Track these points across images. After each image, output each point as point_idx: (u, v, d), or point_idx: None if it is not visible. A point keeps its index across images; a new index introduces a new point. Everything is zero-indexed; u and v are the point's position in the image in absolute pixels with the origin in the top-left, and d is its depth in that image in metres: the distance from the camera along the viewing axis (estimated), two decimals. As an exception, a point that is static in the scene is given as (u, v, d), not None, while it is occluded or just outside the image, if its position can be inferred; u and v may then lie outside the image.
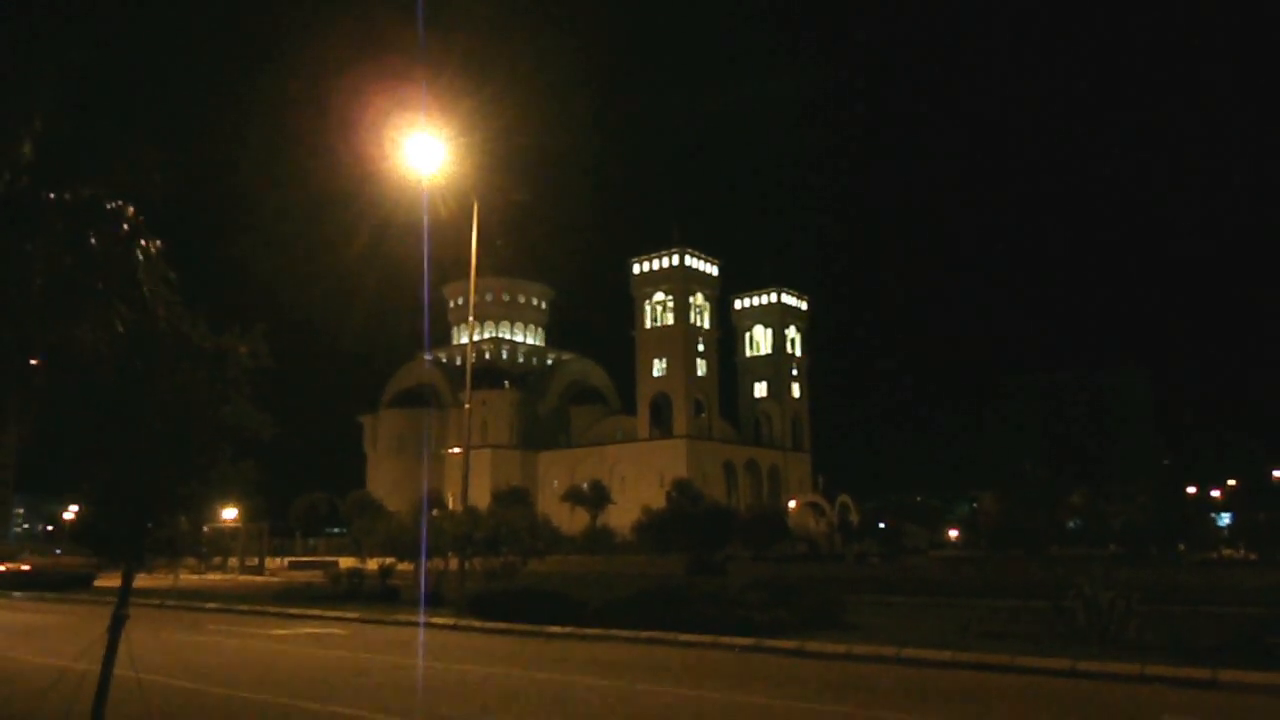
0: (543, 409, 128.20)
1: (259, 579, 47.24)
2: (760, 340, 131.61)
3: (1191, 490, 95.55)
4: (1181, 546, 62.76)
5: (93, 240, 8.32)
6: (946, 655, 14.89)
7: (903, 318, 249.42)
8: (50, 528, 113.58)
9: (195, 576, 47.92)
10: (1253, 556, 58.82)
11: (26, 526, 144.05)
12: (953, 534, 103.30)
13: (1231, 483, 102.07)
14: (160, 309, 8.09)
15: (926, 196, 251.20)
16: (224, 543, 56.08)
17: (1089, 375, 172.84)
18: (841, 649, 15.89)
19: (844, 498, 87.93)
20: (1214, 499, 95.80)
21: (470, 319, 29.00)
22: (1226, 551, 65.78)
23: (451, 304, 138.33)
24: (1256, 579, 36.09)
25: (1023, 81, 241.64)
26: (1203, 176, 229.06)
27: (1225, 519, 79.21)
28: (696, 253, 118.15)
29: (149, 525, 7.01)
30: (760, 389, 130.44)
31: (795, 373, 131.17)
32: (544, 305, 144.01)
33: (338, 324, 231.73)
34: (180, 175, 8.58)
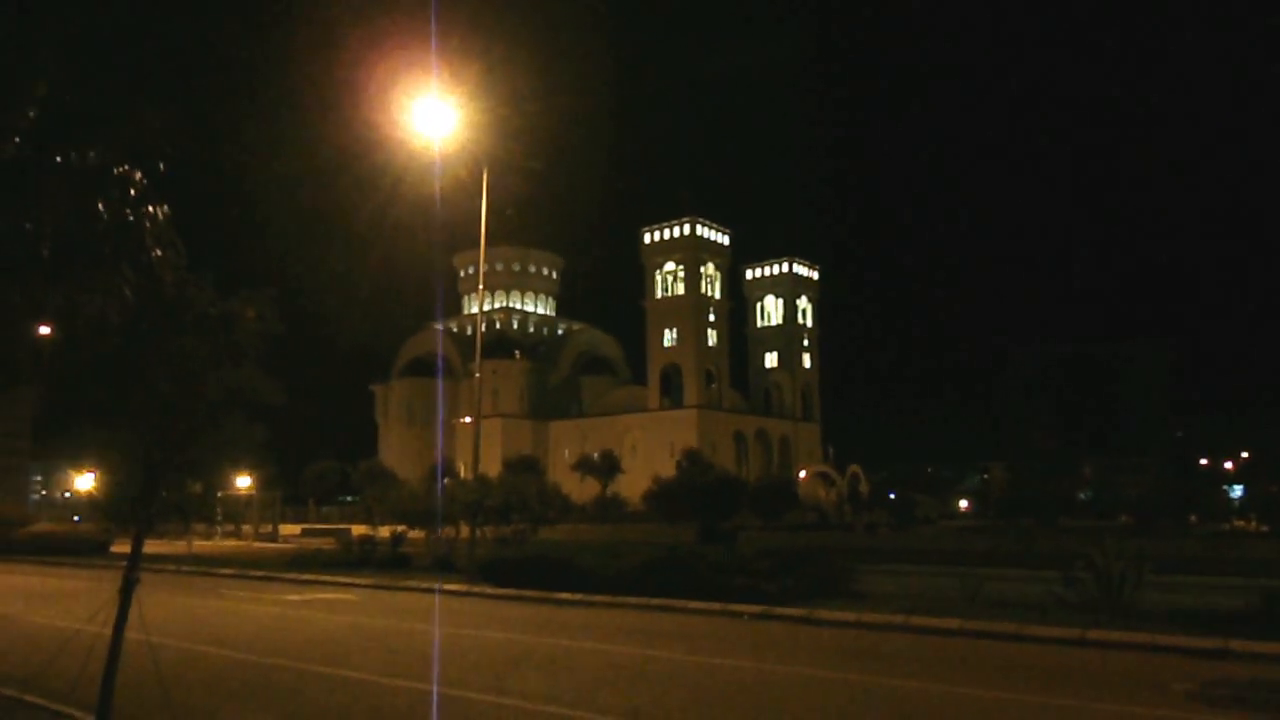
0: (553, 379, 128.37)
1: (272, 545, 47.71)
2: (771, 310, 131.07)
3: (1204, 462, 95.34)
4: (1193, 518, 62.65)
5: (100, 206, 8.29)
6: (954, 624, 14.92)
7: (915, 287, 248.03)
8: (67, 495, 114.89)
9: (209, 542, 48.43)
10: (1264, 528, 58.67)
11: (44, 494, 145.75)
12: (963, 504, 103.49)
13: (1245, 455, 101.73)
14: (167, 274, 8.06)
15: (938, 164, 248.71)
16: (238, 509, 56.73)
17: (1103, 346, 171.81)
18: (850, 616, 15.93)
19: (854, 468, 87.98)
20: (1226, 471, 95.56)
21: (480, 288, 28.91)
22: (1238, 523, 65.62)
23: (462, 273, 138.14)
24: (1267, 550, 36.01)
25: (1040, 43, 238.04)
26: (1230, 145, 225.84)
27: (1238, 491, 78.96)
28: (707, 222, 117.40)
29: (158, 489, 7.03)
30: (771, 359, 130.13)
31: (806, 343, 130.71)
32: (554, 275, 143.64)
33: (348, 293, 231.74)
34: (185, 139, 8.50)
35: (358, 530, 41.78)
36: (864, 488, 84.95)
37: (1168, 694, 10.47)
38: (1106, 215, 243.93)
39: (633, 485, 79.10)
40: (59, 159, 8.57)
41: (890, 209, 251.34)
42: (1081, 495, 77.57)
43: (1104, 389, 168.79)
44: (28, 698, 9.54)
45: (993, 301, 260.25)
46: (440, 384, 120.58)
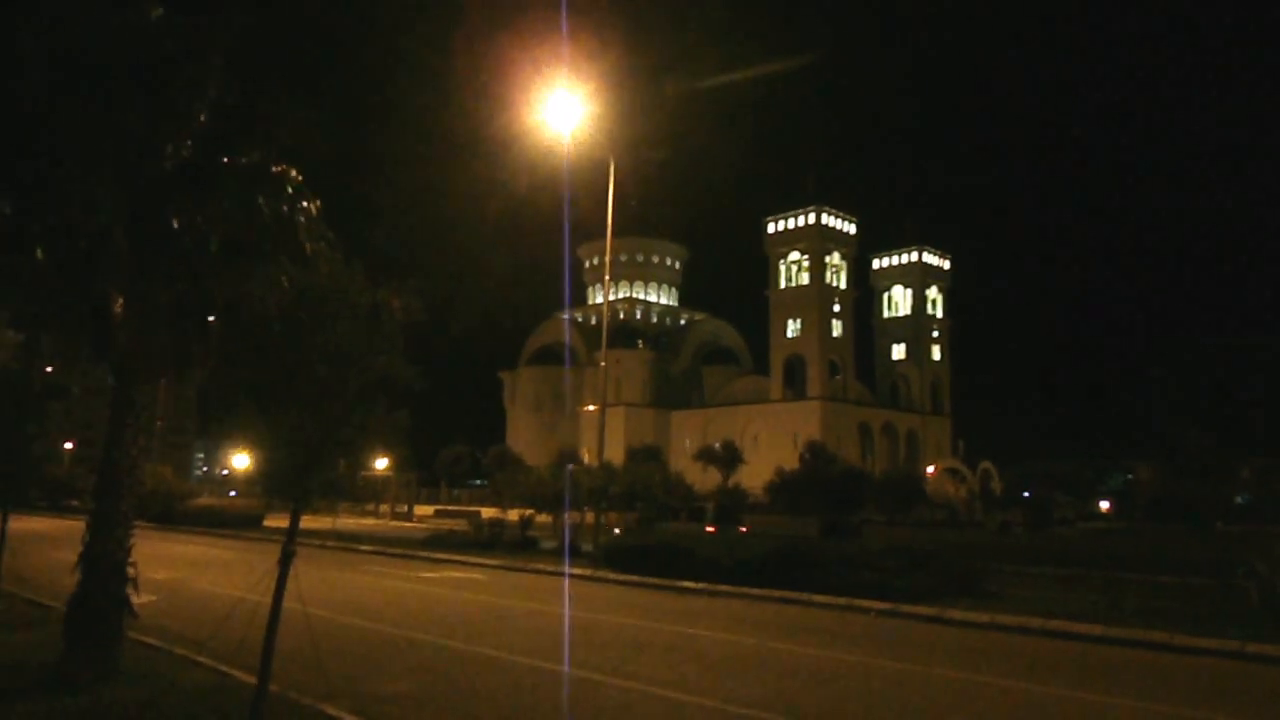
0: (675, 368, 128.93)
1: (408, 525, 50.01)
2: (899, 300, 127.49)
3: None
4: (1370, 527, 57.29)
5: (261, 203, 8.91)
6: (1097, 629, 14.22)
7: (1054, 275, 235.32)
8: (226, 472, 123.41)
9: (351, 520, 51.15)
10: None
11: (205, 470, 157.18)
12: (1104, 506, 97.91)
13: None
14: (322, 266, 8.60)
15: (1080, 147, 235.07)
16: (377, 489, 59.66)
17: (1266, 339, 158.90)
18: (984, 618, 15.41)
19: (986, 464, 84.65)
20: None
21: (606, 278, 29.33)
22: None
23: (587, 264, 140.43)
24: None
25: (1181, 25, 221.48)
26: None
27: None
28: (833, 210, 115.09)
29: (313, 468, 7.49)
30: (898, 351, 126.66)
31: (936, 334, 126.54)
32: (678, 265, 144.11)
33: (479, 282, 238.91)
34: (336, 138, 9.04)
35: (487, 513, 43.20)
36: (996, 485, 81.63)
37: (1340, 716, 9.69)
38: (1269, 200, 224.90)
39: (754, 476, 78.54)
40: (225, 159, 9.25)
41: (1026, 191, 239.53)
42: (1239, 499, 72.01)
43: (1267, 386, 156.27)
44: (198, 658, 10.37)
45: (1142, 290, 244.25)
46: (567, 372, 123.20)
